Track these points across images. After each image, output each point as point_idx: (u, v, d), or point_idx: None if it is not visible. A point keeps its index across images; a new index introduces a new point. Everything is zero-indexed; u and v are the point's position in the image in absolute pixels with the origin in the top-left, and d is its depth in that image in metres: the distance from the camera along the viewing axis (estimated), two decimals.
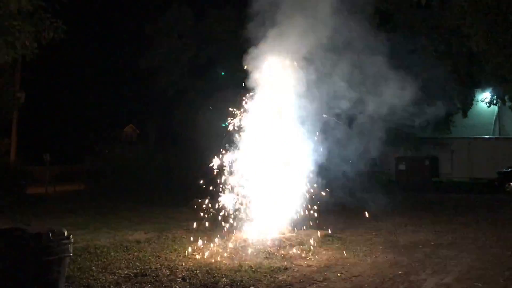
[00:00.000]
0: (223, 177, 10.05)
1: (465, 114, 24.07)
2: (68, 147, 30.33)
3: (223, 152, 10.07)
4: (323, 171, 10.17)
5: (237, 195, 9.94)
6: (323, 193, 10.35)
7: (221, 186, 10.07)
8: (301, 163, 9.91)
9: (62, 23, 11.81)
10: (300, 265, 7.95)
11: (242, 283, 6.86)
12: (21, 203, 16.70)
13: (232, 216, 10.06)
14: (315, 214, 10.19)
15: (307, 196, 10.00)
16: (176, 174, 20.96)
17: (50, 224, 10.63)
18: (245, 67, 10.06)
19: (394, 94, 10.43)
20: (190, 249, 8.90)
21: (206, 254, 8.57)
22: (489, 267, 7.80)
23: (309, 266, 7.90)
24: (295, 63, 9.94)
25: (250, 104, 10.15)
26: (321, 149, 10.04)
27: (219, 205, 10.08)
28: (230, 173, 10.02)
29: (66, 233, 5.55)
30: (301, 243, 9.11)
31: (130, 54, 28.28)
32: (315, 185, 10.07)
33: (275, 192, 9.80)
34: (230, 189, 9.98)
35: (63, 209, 15.42)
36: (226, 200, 10.02)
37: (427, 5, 16.62)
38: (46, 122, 32.37)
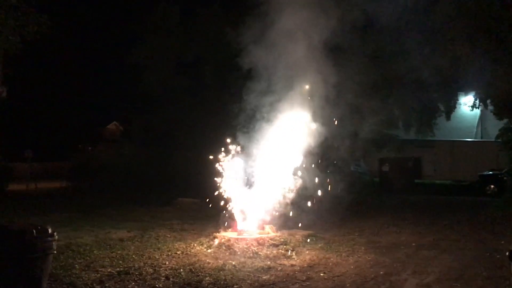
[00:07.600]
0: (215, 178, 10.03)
1: (448, 117, 24.32)
2: (50, 143, 29.99)
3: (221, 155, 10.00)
4: (308, 172, 10.21)
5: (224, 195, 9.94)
6: (308, 193, 10.39)
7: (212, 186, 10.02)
8: (286, 164, 9.94)
9: (47, 18, 11.65)
10: (284, 264, 7.99)
11: (225, 282, 6.87)
12: (1, 200, 16.47)
13: (219, 215, 10.09)
14: (299, 214, 10.24)
15: (291, 196, 10.03)
16: (160, 172, 20.89)
17: (31, 221, 10.51)
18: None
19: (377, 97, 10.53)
20: (173, 248, 8.91)
21: (190, 252, 8.59)
22: (468, 268, 7.94)
23: (292, 265, 7.95)
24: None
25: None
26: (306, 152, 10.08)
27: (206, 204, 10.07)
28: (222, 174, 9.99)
29: (50, 230, 5.49)
30: (284, 243, 9.15)
31: (116, 51, 28.08)
32: (299, 185, 10.10)
33: (260, 192, 9.83)
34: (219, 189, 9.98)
35: (44, 207, 15.24)
36: (212, 199, 10.03)
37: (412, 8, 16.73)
38: (28, 118, 31.95)
